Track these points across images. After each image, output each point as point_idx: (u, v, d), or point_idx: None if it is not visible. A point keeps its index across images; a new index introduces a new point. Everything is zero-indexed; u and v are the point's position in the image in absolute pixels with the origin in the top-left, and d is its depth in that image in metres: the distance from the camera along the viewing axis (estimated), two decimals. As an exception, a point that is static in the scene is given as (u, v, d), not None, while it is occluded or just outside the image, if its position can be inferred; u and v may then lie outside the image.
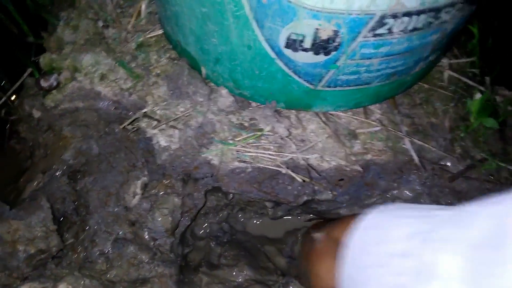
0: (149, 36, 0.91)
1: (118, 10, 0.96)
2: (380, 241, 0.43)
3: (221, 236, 1.03)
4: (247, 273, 0.90)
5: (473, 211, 0.37)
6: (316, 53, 0.64)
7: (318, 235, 0.64)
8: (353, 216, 0.55)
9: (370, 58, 0.65)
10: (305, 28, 0.59)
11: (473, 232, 0.34)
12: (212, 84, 0.82)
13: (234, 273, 0.90)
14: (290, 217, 1.07)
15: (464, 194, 0.82)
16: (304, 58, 0.65)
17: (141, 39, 0.91)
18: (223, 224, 1.05)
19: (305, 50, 0.63)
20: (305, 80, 0.70)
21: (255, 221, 1.09)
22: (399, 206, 0.48)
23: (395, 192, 0.85)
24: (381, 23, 0.57)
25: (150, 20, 0.94)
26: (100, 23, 0.94)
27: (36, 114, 0.91)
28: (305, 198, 0.83)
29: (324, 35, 0.60)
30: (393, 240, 0.41)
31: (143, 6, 0.94)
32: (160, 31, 0.91)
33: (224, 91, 0.79)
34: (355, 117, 0.81)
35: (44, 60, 0.91)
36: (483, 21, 0.92)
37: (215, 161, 0.76)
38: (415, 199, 0.83)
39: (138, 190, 0.83)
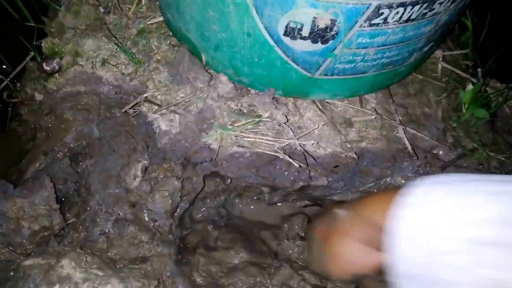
0: (149, 22, 0.93)
1: (119, -4, 0.97)
2: (451, 223, 0.37)
3: (218, 220, 1.06)
4: (243, 255, 0.93)
5: None
6: (314, 42, 0.65)
7: (342, 213, 0.58)
8: (387, 192, 0.49)
9: (366, 48, 0.67)
10: (304, 17, 0.61)
11: None
12: (212, 71, 0.84)
13: (230, 255, 0.93)
14: (285, 203, 1.10)
15: (455, 182, 0.85)
16: (302, 46, 0.67)
17: (142, 25, 0.92)
18: (220, 209, 1.07)
19: (303, 38, 0.65)
20: (303, 68, 0.72)
21: (251, 207, 1.11)
22: (455, 178, 0.40)
23: (388, 179, 0.88)
24: (377, 13, 0.59)
25: (151, 7, 0.95)
26: (101, 9, 0.95)
27: (38, 97, 0.92)
28: (301, 183, 0.86)
29: (322, 24, 0.62)
30: (469, 222, 0.35)
31: (145, -7, 0.95)
32: (161, 18, 0.92)
33: (223, 78, 0.81)
34: (351, 105, 0.83)
35: (46, 44, 0.92)
36: (477, 14, 0.94)
37: (215, 146, 0.78)
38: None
39: (139, 173, 0.85)
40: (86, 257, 0.69)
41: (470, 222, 0.35)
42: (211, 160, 0.84)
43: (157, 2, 0.95)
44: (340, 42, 0.65)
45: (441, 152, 0.83)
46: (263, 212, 1.12)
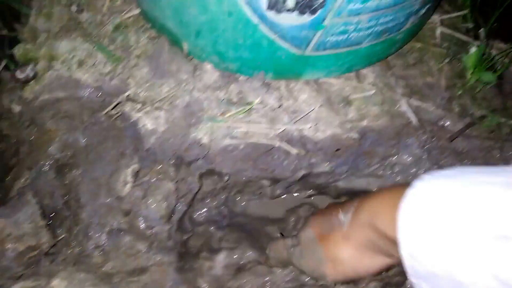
0: (126, 17, 0.87)
1: (91, -7, 0.92)
2: (468, 218, 0.34)
3: (220, 220, 1.01)
4: (250, 254, 0.88)
5: None
6: (302, 13, 0.60)
7: (342, 216, 0.56)
8: (387, 191, 0.47)
9: (358, 14, 0.62)
10: (287, -14, 0.55)
11: None
12: (196, 60, 0.78)
13: (235, 256, 0.88)
14: (289, 195, 1.04)
15: (465, 154, 0.80)
16: (289, 20, 0.61)
17: (117, 20, 0.87)
18: (221, 208, 1.02)
19: (289, 10, 0.59)
20: (292, 45, 0.66)
21: (254, 203, 1.06)
22: (463, 170, 0.39)
23: (394, 158, 0.82)
24: (367, -27, 0.54)
25: (125, 0, 0.89)
26: (74, 8, 0.90)
27: (16, 108, 0.87)
28: (303, 172, 0.80)
29: (307, -8, 0.56)
30: (488, 216, 0.33)
31: (117, -13, 0.89)
32: (137, 11, 0.86)
33: (208, 66, 0.75)
34: (347, 82, 0.77)
35: (18, 51, 0.86)
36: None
37: (205, 140, 0.73)
38: (416, 164, 0.80)
39: (129, 178, 0.79)
40: (78, 275, 0.63)
41: (489, 216, 0.33)
42: (204, 157, 0.78)
43: (132, -5, 0.89)
44: (330, 11, 0.60)
45: (448, 123, 0.78)
46: (267, 207, 1.07)
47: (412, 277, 0.39)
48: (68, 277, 0.61)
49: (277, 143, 0.71)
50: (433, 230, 0.36)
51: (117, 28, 0.86)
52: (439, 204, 0.37)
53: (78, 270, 0.65)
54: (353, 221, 0.53)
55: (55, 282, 0.60)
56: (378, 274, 0.55)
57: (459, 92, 0.80)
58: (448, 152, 0.78)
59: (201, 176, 0.89)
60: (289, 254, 0.68)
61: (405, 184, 0.42)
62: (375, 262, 0.53)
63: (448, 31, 0.86)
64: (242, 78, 0.77)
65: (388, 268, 0.60)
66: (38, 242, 0.68)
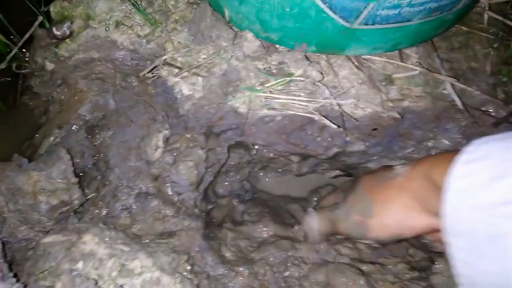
0: (164, -20, 0.85)
1: (131, -47, 0.90)
2: (507, 173, 0.36)
3: (242, 194, 1.00)
4: (272, 229, 0.87)
5: None
6: (356, -18, 0.58)
7: (400, 168, 0.55)
8: (450, 152, 0.47)
9: (414, -12, 0.59)
10: (346, -49, 0.53)
11: None
12: (236, 28, 0.77)
13: (258, 229, 0.87)
14: (314, 174, 1.03)
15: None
16: (341, -11, 0.59)
17: (156, -17, 0.85)
18: (244, 183, 1.01)
19: (344, -21, 0.57)
20: (340, 17, 0.64)
21: (278, 179, 1.05)
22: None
23: (430, 143, 0.80)
24: None
25: (165, -37, 0.87)
26: (112, -32, 0.88)
27: (49, 66, 0.86)
28: (335, 150, 0.79)
29: (367, -41, 0.54)
30: None
31: None
32: (177, -26, 0.84)
33: (249, 35, 0.73)
34: (390, 61, 0.75)
35: (54, 8, 0.85)
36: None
37: (243, 109, 0.71)
38: (453, 150, 0.78)
39: (160, 143, 0.79)
40: (109, 232, 0.63)
41: None
42: (238, 127, 0.77)
43: (172, -42, 0.87)
44: (386, -18, 0.57)
45: (491, 109, 0.75)
46: (290, 185, 1.06)
47: (448, 235, 0.39)
48: (100, 233, 0.61)
49: (316, 117, 0.69)
50: (481, 184, 0.37)
51: (155, -10, 0.84)
52: (480, 162, 0.38)
53: (108, 228, 0.64)
54: (410, 172, 0.53)
55: (87, 237, 0.60)
56: (417, 237, 0.54)
57: (505, 79, 0.78)
58: (488, 140, 0.76)
59: (229, 148, 0.88)
60: (333, 215, 0.66)
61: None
62: (421, 220, 0.52)
63: (496, 16, 0.83)
64: (282, 49, 0.75)
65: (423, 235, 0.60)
66: (70, 198, 0.68)
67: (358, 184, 0.63)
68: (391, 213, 0.54)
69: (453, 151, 0.46)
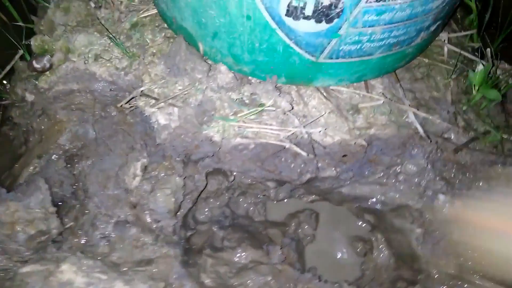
0: (143, 15, 0.89)
1: (110, -10, 0.94)
2: None
3: (222, 220, 1.02)
4: (251, 254, 0.89)
5: None
6: (318, 21, 0.62)
7: None
8: None
9: (372, 26, 0.64)
10: (307, -6, 0.58)
11: None
12: (210, 61, 0.80)
13: (238, 255, 0.89)
14: (292, 199, 1.06)
15: (468, 167, 0.82)
16: (305, 27, 0.63)
17: (134, 19, 0.89)
18: (224, 208, 1.03)
19: (307, 18, 0.62)
20: (306, 52, 0.68)
21: (256, 205, 1.07)
22: None
23: (398, 168, 0.84)
24: (385, -14, 0.56)
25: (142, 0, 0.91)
26: (92, 4, 0.92)
27: (30, 97, 0.88)
28: (309, 176, 0.82)
29: (326, 1, 0.58)
30: None
31: (136, -14, 0.91)
32: (154, 10, 0.88)
33: (223, 68, 0.77)
34: (357, 91, 0.80)
35: (35, 42, 0.88)
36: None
37: (217, 138, 0.74)
38: (419, 174, 0.82)
39: (138, 172, 0.81)
40: (87, 261, 0.65)
41: None
42: (213, 155, 0.80)
43: (150, -5, 0.91)
44: (346, 21, 0.62)
45: (452, 136, 0.80)
46: (269, 210, 1.08)
47: None
48: (77, 262, 0.63)
49: (287, 144, 0.73)
50: None
51: (134, 26, 0.88)
52: None
53: (86, 257, 0.66)
54: None
55: (64, 266, 0.61)
56: None
57: (464, 108, 0.83)
58: (451, 164, 0.80)
59: (207, 175, 0.90)
60: None
61: None
62: None
63: (455, 49, 0.88)
64: (254, 80, 0.79)
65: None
66: (47, 228, 0.69)
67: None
68: None
69: None
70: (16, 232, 0.66)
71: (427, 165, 0.79)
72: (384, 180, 0.85)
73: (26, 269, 0.62)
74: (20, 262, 0.69)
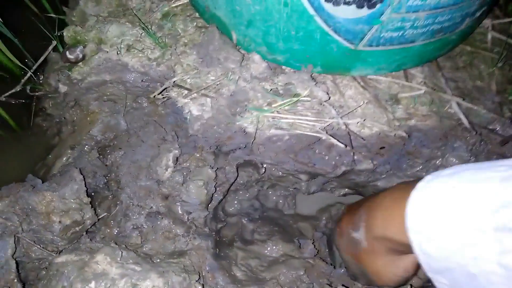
0: (174, 5, 0.88)
1: (141, -20, 0.93)
2: (468, 214, 0.36)
3: (252, 213, 1.01)
4: (283, 248, 0.87)
5: None
6: (359, 7, 0.59)
7: (358, 236, 0.59)
8: (390, 197, 0.49)
9: (416, 11, 0.61)
10: (350, -23, 0.55)
11: None
12: (243, 50, 0.79)
13: (269, 248, 0.87)
14: (323, 192, 1.03)
15: (513, 160, 0.78)
16: (345, 13, 0.61)
17: (166, 8, 0.88)
18: (253, 201, 1.02)
19: (347, 3, 0.59)
20: (345, 39, 0.66)
21: (287, 199, 1.05)
22: (462, 168, 0.40)
23: (438, 161, 0.81)
24: (434, -33, 0.53)
25: (175, -12, 0.90)
26: (124, -6, 0.91)
27: (63, 88, 0.88)
28: (343, 168, 0.80)
29: (370, -15, 0.55)
30: (487, 210, 0.35)
31: (168, -25, 0.90)
32: (185, 0, 0.87)
33: (256, 57, 0.75)
34: (396, 81, 0.76)
35: (68, 33, 0.88)
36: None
37: (251, 129, 0.73)
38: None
39: (170, 163, 0.80)
40: (121, 252, 0.64)
41: (489, 210, 0.35)
42: (246, 146, 0.78)
43: (181, -16, 0.90)
44: (389, 6, 0.59)
45: (498, 127, 0.76)
46: (299, 203, 1.06)
47: (429, 272, 0.40)
48: (111, 253, 0.62)
49: (323, 136, 0.70)
50: (438, 228, 0.38)
51: (165, 16, 0.87)
52: (440, 203, 0.39)
53: (120, 247, 0.65)
54: (368, 237, 0.56)
55: (99, 257, 0.61)
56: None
57: (510, 98, 0.78)
58: (495, 157, 0.76)
59: (238, 167, 0.89)
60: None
61: (404, 186, 0.45)
62: (407, 261, 0.55)
63: (500, 36, 0.84)
64: (289, 70, 0.77)
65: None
66: (82, 218, 0.69)
67: (341, 248, 0.65)
68: (380, 271, 0.57)
69: (392, 197, 0.49)
70: (52, 222, 0.66)
71: (470, 158, 0.75)
72: (423, 174, 0.81)
73: (61, 259, 0.62)
74: (55, 251, 0.69)
